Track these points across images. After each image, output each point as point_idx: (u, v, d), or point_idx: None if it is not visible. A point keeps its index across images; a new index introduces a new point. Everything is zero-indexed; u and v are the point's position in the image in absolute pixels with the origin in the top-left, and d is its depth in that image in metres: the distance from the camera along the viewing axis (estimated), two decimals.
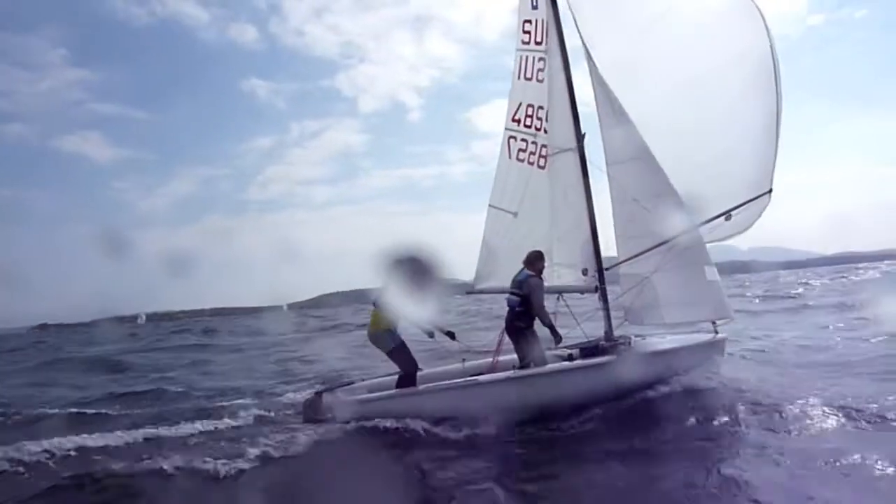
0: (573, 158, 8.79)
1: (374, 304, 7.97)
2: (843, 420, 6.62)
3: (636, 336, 8.81)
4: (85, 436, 7.07)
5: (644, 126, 8.36)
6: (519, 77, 9.46)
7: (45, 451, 6.64)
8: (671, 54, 8.38)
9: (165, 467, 6.09)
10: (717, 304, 8.35)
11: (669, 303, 8.29)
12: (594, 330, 9.01)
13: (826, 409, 6.95)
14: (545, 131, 9.16)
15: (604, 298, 8.63)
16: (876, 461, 5.30)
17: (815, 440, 6.16)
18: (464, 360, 8.76)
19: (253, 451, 6.51)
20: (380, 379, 8.34)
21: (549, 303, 8.68)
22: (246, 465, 6.19)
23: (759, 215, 8.24)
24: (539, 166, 9.25)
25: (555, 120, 8.97)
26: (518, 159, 9.52)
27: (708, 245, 8.49)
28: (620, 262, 8.57)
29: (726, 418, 7.02)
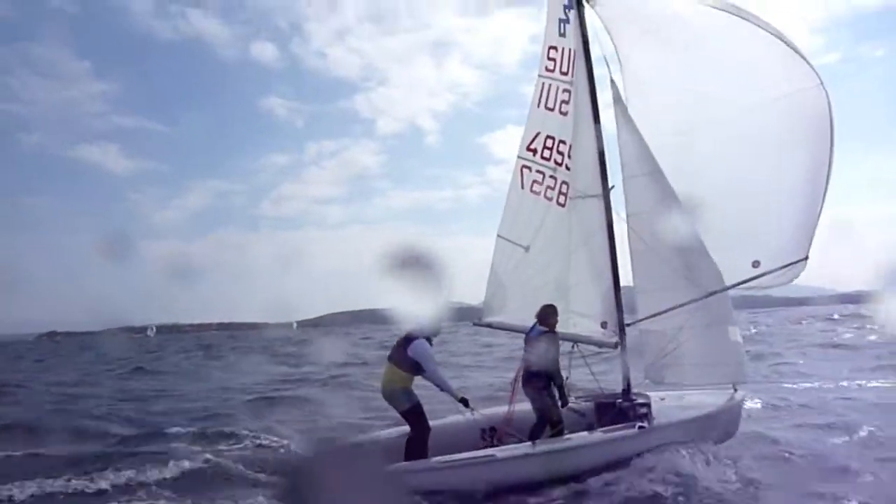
0: (597, 205, 8.30)
1: (389, 359, 7.51)
2: None
3: (654, 395, 8.54)
4: None
5: (677, 177, 7.93)
6: (539, 105, 8.81)
7: None
8: (719, 103, 7.85)
9: None
10: (738, 367, 8.13)
11: (692, 363, 8.02)
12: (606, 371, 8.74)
13: None
14: (567, 168, 8.61)
15: (623, 355, 8.30)
16: None
17: None
18: (473, 409, 8.37)
19: None
20: (391, 439, 7.82)
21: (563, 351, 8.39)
22: None
23: (791, 280, 7.95)
24: (559, 203, 8.70)
25: (580, 161, 8.41)
26: (533, 191, 8.95)
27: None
28: (643, 319, 8.23)
29: None
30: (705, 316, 7.92)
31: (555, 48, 8.56)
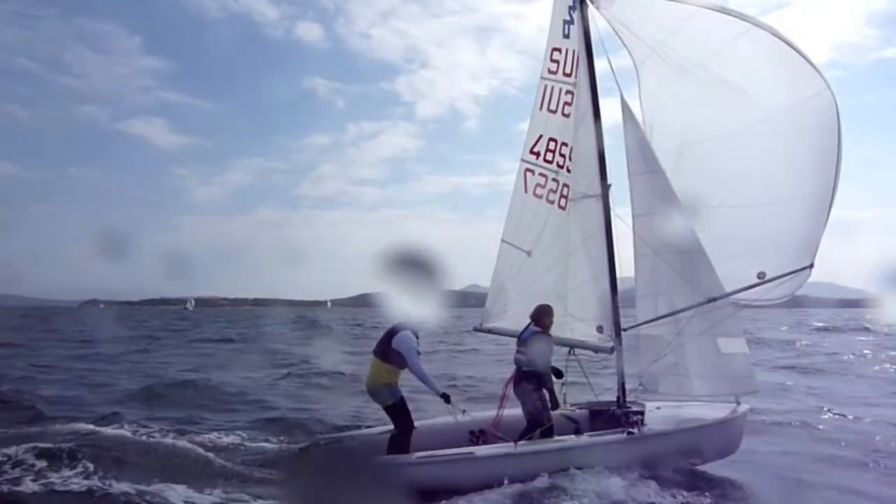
0: (596, 206, 8.14)
1: (374, 353, 7.39)
2: None
3: (649, 403, 8.27)
4: None
5: (680, 175, 7.75)
6: (541, 108, 8.74)
7: None
8: (721, 107, 7.70)
9: None
10: (742, 379, 7.78)
11: (690, 373, 7.73)
12: (603, 381, 8.49)
13: None
14: (568, 170, 8.49)
15: (619, 362, 8.06)
16: None
17: None
18: (464, 411, 8.25)
19: None
20: (374, 436, 7.74)
21: (560, 357, 8.22)
22: None
23: (796, 289, 7.63)
24: (560, 206, 8.56)
25: (579, 161, 8.29)
26: (536, 195, 8.83)
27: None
28: (640, 324, 7.99)
29: None
30: (705, 324, 7.65)
31: (558, 50, 8.49)
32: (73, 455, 7.16)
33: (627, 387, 8.08)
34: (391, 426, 7.44)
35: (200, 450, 8.01)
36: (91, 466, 6.94)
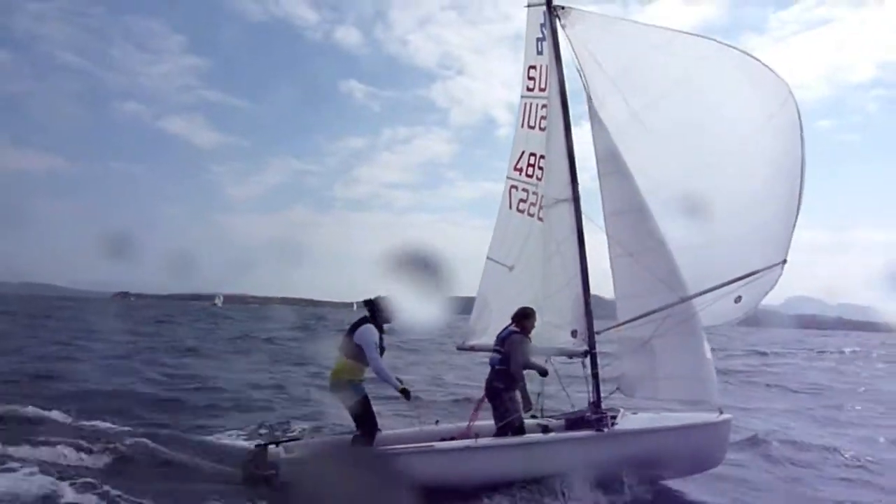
0: (568, 210, 8.15)
1: (340, 350, 7.24)
2: None
3: (628, 410, 7.89)
4: None
5: (649, 184, 7.73)
6: (522, 125, 8.97)
7: None
8: (687, 114, 7.73)
9: None
10: (710, 384, 7.43)
11: (667, 376, 7.41)
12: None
13: None
14: (538, 178, 8.62)
15: (593, 364, 7.79)
16: None
17: None
18: (437, 421, 8.05)
19: None
20: (336, 437, 7.63)
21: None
22: None
23: (768, 290, 7.35)
24: (539, 218, 8.64)
25: (551, 169, 8.39)
26: (518, 210, 8.94)
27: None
28: (612, 327, 7.77)
29: None
30: (681, 326, 7.39)
31: (534, 67, 8.78)
32: None
33: (605, 392, 7.74)
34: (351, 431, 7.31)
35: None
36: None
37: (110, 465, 7.13)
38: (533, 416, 8.09)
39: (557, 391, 8.17)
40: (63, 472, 6.51)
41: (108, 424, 8.95)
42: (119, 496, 6.03)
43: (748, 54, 7.67)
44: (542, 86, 8.74)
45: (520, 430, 7.25)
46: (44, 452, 7.06)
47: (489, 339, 8.67)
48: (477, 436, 7.08)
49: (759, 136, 7.50)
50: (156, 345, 23.33)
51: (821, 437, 10.79)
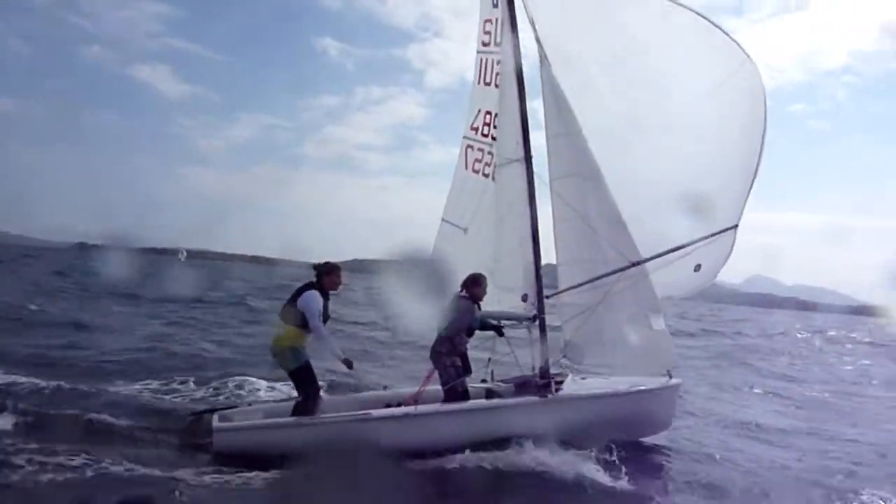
0: (519, 170, 7.91)
1: (280, 316, 7.04)
2: None
3: (577, 375, 7.80)
4: None
5: (601, 146, 7.48)
6: (479, 82, 8.62)
7: None
8: (642, 75, 7.49)
9: None
10: (665, 352, 7.33)
11: (614, 342, 7.31)
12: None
13: None
14: (493, 138, 8.34)
15: (542, 329, 7.66)
16: None
17: None
18: (385, 387, 7.94)
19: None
20: (275, 405, 7.48)
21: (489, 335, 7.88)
22: None
23: (726, 257, 7.23)
24: (493, 178, 8.40)
25: (503, 128, 8.10)
26: (474, 170, 8.66)
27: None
28: (563, 290, 7.63)
29: None
30: (630, 292, 7.26)
31: (489, 21, 8.39)
32: None
33: (552, 359, 7.63)
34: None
35: None
36: None
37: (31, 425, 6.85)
38: (483, 381, 8.01)
39: (509, 355, 8.05)
40: None
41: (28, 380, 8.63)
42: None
43: (705, 17, 7.40)
44: (498, 41, 8.38)
45: (464, 395, 7.16)
46: None
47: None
48: (417, 402, 6.95)
49: (713, 100, 7.30)
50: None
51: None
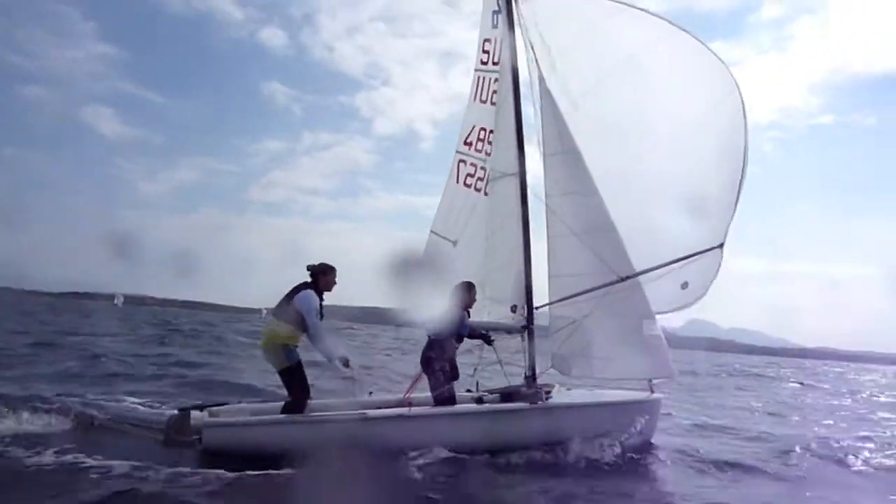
0: (514, 184, 8.13)
1: (273, 314, 7.02)
2: None
3: (563, 387, 7.93)
4: None
5: (595, 163, 7.74)
6: (475, 99, 8.85)
7: None
8: (635, 97, 7.80)
9: None
10: (657, 362, 7.52)
11: (602, 354, 7.48)
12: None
13: None
14: (487, 154, 8.55)
15: (530, 339, 7.80)
16: None
17: None
18: (371, 392, 7.93)
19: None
20: (263, 404, 7.42)
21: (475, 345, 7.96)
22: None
23: (713, 275, 7.51)
24: (485, 193, 8.57)
25: (499, 143, 8.33)
26: (465, 184, 8.83)
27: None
28: (552, 302, 7.78)
29: None
30: (619, 304, 7.46)
31: (489, 41, 8.66)
32: None
33: (539, 370, 7.75)
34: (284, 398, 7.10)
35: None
36: None
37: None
38: (468, 391, 8.06)
39: (494, 368, 8.14)
40: None
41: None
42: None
43: (698, 40, 7.77)
44: (496, 60, 8.65)
45: (452, 400, 7.21)
46: None
47: None
48: (410, 405, 6.99)
49: (702, 123, 7.62)
50: None
51: None
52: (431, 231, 9.09)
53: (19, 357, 13.91)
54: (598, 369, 7.52)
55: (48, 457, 5.75)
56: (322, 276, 7.02)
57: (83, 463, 5.69)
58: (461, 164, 8.94)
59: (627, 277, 7.42)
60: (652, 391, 7.67)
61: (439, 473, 6.17)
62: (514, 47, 8.21)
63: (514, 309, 7.99)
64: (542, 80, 8.00)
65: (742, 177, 7.38)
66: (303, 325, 6.80)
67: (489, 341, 7.84)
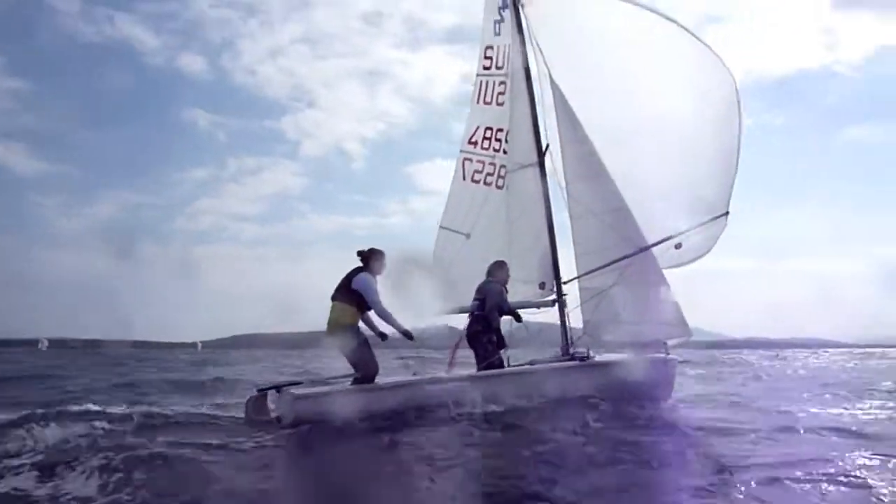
0: (533, 173, 8.85)
1: (333, 298, 7.20)
2: None
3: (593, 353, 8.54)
4: None
5: (604, 149, 8.56)
6: (478, 101, 9.58)
7: None
8: (634, 81, 8.69)
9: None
10: (674, 323, 8.29)
11: (627, 320, 8.19)
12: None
13: None
14: (504, 152, 9.21)
15: (561, 312, 8.41)
16: None
17: None
18: (414, 373, 8.18)
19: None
20: (331, 383, 7.52)
21: (504, 324, 8.40)
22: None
23: (717, 239, 8.44)
24: (497, 186, 9.22)
25: (515, 138, 9.04)
26: (473, 181, 9.48)
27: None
28: (579, 276, 8.45)
29: None
30: (637, 274, 8.21)
31: (491, 48, 9.47)
32: None
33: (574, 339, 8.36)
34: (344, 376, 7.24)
35: None
36: None
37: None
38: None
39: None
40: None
41: None
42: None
43: (690, 32, 8.78)
44: (500, 64, 9.42)
45: (500, 366, 7.64)
46: None
47: (455, 302, 8.99)
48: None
49: (697, 107, 8.60)
50: None
51: None
52: (441, 226, 9.60)
53: None
54: (627, 334, 8.19)
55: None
56: (373, 260, 7.31)
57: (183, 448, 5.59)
58: (466, 163, 9.57)
59: (646, 248, 8.20)
60: (667, 353, 8.41)
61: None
62: (524, 50, 8.99)
63: (542, 286, 8.59)
64: (551, 77, 8.79)
65: (738, 150, 8.39)
66: (362, 306, 7.10)
67: (518, 318, 8.32)
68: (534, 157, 8.88)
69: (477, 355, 7.75)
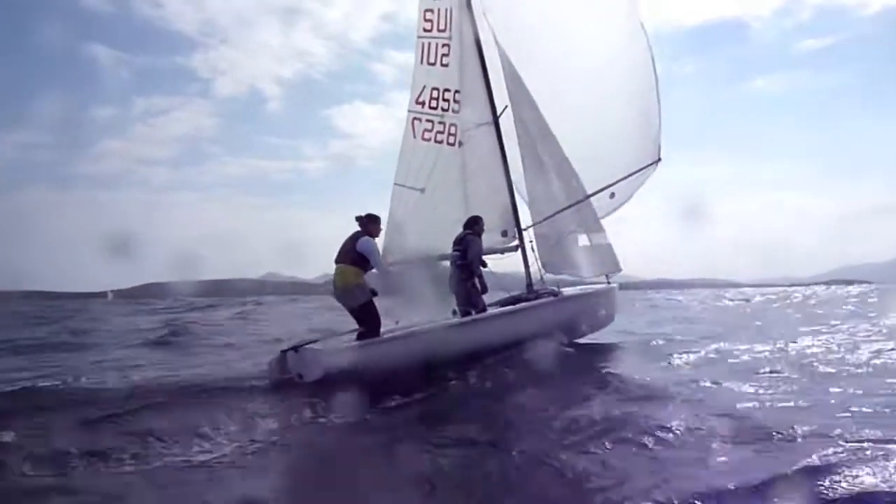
0: (489, 131, 9.71)
1: (337, 261, 7.81)
2: None
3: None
4: None
5: (546, 108, 9.60)
6: (421, 62, 10.13)
7: None
8: (565, 48, 9.75)
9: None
10: (610, 263, 9.78)
11: (580, 257, 9.51)
12: None
13: None
14: (454, 111, 9.95)
15: (523, 255, 9.56)
16: None
17: None
18: (397, 321, 8.99)
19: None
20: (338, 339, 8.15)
21: None
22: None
23: (638, 186, 9.89)
24: (449, 143, 9.98)
25: (468, 99, 9.80)
26: (424, 139, 10.14)
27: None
28: (534, 224, 9.59)
29: None
30: (583, 220, 9.55)
31: (430, 10, 10.01)
32: None
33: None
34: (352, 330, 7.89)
35: None
36: None
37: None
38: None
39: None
40: None
41: None
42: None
43: None
44: (441, 27, 10.01)
45: (483, 311, 8.68)
46: None
47: (404, 254, 9.81)
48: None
49: (616, 65, 9.88)
50: None
51: None
52: (396, 184, 10.26)
53: None
54: (576, 270, 9.56)
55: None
56: (371, 224, 7.96)
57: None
58: (415, 122, 10.22)
59: (589, 196, 9.49)
60: (609, 281, 9.93)
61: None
62: (472, 18, 9.68)
63: (504, 233, 9.64)
64: (497, 42, 9.59)
65: (658, 101, 9.79)
66: (365, 266, 7.78)
67: (484, 264, 9.35)
68: (488, 117, 9.73)
69: (457, 298, 8.69)
